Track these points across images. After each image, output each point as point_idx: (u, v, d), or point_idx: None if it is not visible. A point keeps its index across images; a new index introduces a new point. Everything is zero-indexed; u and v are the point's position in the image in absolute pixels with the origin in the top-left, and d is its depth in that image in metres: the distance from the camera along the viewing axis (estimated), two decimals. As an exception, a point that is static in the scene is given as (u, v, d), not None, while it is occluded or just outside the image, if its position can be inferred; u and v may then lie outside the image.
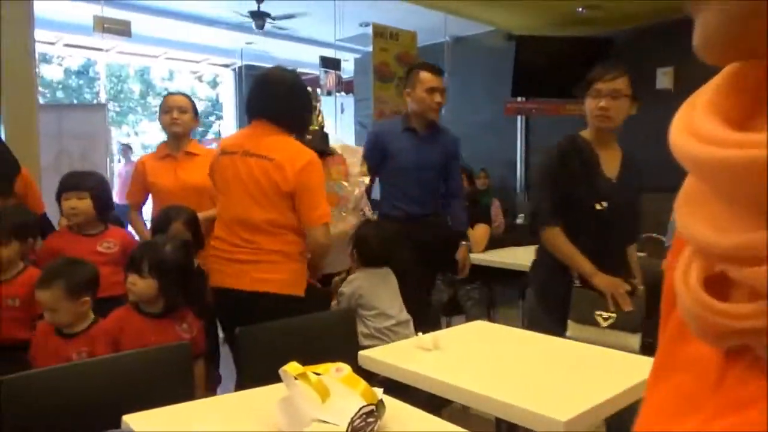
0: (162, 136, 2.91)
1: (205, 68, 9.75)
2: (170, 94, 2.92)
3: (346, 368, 1.16)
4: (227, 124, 9.88)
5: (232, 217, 2.09)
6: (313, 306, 2.12)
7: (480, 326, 2.02)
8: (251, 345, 1.80)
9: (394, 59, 5.18)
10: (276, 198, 2.03)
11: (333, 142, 2.82)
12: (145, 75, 14.71)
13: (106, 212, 2.42)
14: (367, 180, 2.81)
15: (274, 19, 6.00)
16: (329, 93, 9.21)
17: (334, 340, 2.00)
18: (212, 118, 14.23)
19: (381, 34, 5.12)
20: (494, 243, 3.74)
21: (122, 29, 4.68)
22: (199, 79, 14.68)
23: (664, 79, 5.83)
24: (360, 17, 6.38)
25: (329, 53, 6.71)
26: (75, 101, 12.34)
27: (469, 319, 3.40)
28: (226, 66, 9.08)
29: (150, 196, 2.80)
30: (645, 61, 5.94)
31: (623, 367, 1.52)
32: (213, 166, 2.19)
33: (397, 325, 2.27)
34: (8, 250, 2.05)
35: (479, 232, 3.56)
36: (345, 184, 2.70)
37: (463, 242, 2.99)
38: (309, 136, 2.74)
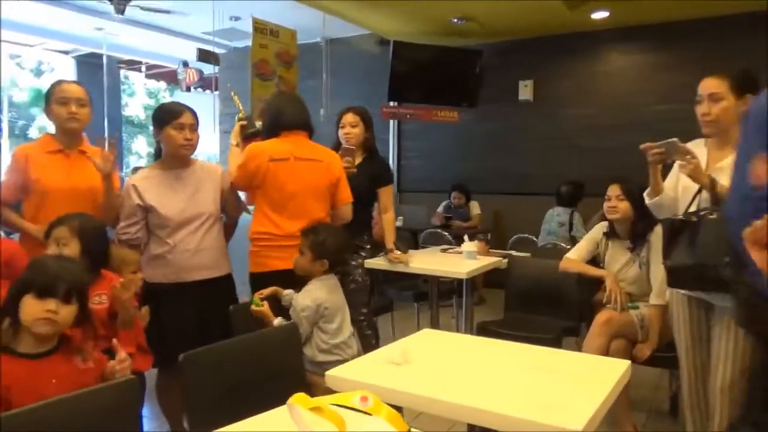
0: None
1: (36, 54, 8.57)
2: (63, 82, 2.45)
3: (371, 396, 1.03)
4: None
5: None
6: None
7: (429, 335, 1.96)
8: (197, 370, 1.58)
9: (274, 57, 4.97)
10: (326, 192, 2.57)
11: None
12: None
13: None
14: None
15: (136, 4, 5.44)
16: (188, 89, 8.63)
17: (277, 358, 1.83)
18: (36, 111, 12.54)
19: (261, 30, 4.87)
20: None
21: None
22: (20, 65, 12.89)
23: (525, 90, 6.29)
24: (230, 11, 6.04)
25: (192, 46, 6.24)
26: None
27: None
28: (66, 53, 8.07)
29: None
30: (509, 74, 6.36)
31: (586, 367, 1.57)
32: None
33: (350, 338, 2.15)
34: None
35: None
36: None
37: None
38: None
